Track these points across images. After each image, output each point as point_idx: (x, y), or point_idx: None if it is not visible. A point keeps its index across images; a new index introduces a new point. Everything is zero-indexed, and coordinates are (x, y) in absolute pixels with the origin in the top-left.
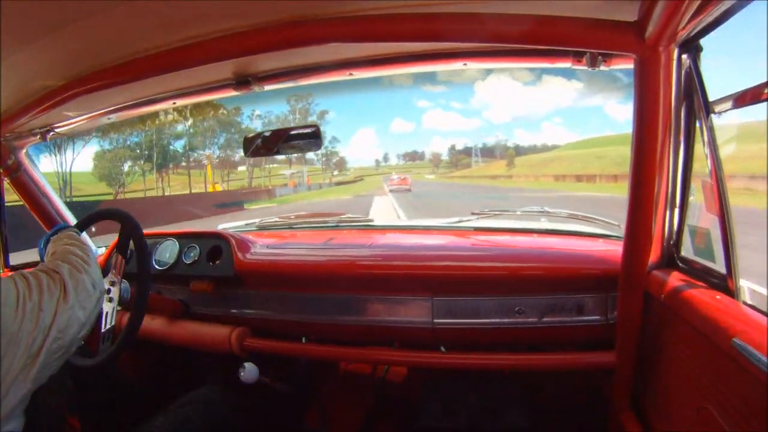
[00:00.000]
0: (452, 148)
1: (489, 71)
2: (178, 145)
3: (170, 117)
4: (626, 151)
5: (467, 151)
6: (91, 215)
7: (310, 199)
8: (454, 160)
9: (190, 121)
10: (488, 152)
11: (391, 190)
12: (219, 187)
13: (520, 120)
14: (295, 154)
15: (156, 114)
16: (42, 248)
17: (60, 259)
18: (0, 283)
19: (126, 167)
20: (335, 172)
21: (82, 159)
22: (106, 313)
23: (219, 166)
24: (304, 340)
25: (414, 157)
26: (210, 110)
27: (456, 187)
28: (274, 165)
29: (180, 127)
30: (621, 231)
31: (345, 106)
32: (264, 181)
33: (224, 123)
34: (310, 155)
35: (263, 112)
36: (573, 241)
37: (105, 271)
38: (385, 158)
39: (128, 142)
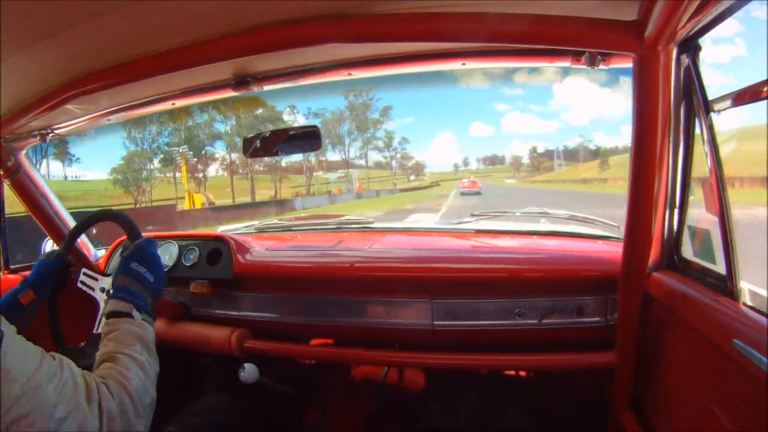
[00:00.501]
0: (533, 150)
1: (566, 72)
2: (219, 147)
3: (207, 117)
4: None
5: (549, 154)
6: (90, 217)
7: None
8: (536, 164)
9: (233, 121)
10: (571, 155)
11: (462, 193)
12: (200, 200)
13: (599, 122)
14: (361, 159)
15: (188, 111)
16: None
17: (108, 382)
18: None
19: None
20: (411, 177)
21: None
22: (101, 316)
23: (269, 171)
24: (304, 342)
25: (494, 161)
26: (255, 107)
27: (542, 195)
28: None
29: (216, 128)
30: (620, 232)
31: (416, 106)
32: (321, 188)
33: (265, 120)
34: (378, 158)
35: (318, 108)
36: (573, 242)
37: (106, 273)
38: (465, 162)
39: (155, 144)
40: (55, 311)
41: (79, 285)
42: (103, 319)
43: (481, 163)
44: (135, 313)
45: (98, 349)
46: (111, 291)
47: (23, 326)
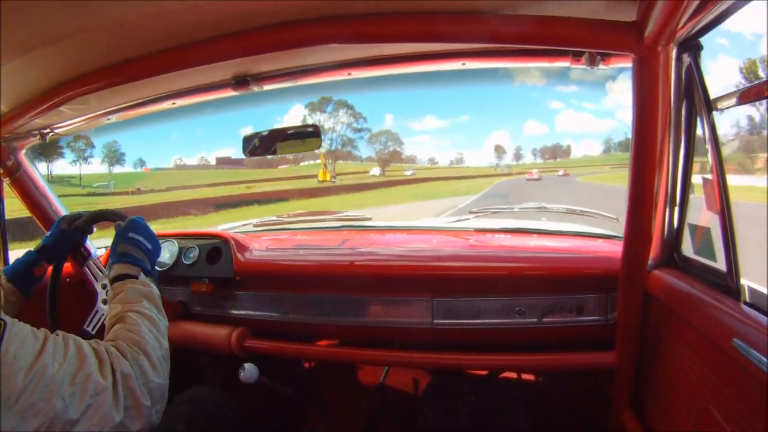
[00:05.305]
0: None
1: (620, 69)
2: None
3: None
4: None
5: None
6: (91, 216)
7: None
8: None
9: None
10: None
11: (527, 179)
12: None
13: None
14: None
15: None
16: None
17: (118, 343)
18: (20, 330)
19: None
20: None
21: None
22: (95, 312)
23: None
24: (304, 341)
25: (555, 153)
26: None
27: None
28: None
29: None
30: (620, 225)
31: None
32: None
33: None
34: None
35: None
36: (573, 241)
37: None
38: (517, 156)
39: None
40: (57, 281)
41: (85, 268)
42: (97, 318)
43: (539, 156)
44: (141, 276)
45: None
46: (111, 258)
47: (30, 295)
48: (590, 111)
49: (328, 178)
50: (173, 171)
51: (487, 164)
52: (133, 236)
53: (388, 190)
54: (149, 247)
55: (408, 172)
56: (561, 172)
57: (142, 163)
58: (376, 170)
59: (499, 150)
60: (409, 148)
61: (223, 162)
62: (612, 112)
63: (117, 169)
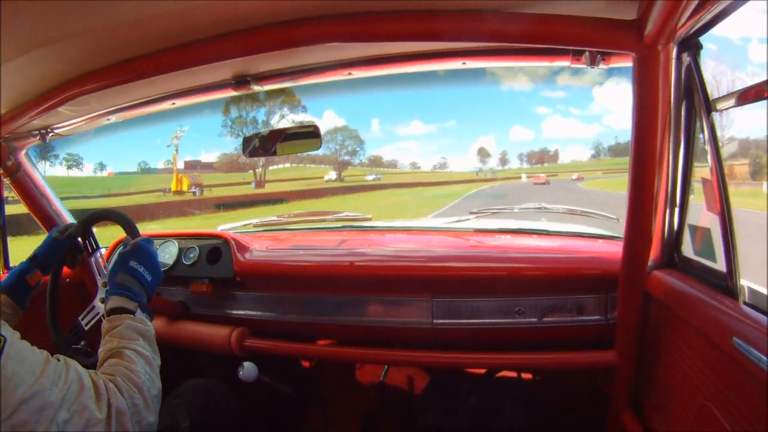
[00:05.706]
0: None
1: (609, 74)
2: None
3: None
4: None
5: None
6: (90, 216)
7: None
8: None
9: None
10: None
11: (534, 183)
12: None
13: None
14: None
15: None
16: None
17: (116, 379)
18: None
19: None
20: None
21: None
22: (92, 307)
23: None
24: (304, 341)
25: (542, 157)
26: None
27: None
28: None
29: None
30: (620, 225)
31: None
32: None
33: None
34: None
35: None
36: (573, 241)
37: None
38: (503, 161)
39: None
40: (56, 290)
41: (92, 260)
42: (102, 315)
43: (525, 161)
44: (138, 311)
45: (81, 336)
46: (109, 287)
47: (26, 305)
48: (577, 116)
49: (185, 188)
50: (139, 175)
51: (471, 169)
52: (134, 266)
53: (326, 199)
54: (148, 279)
55: (370, 177)
56: (575, 176)
57: (102, 167)
58: (331, 174)
59: (483, 153)
60: (383, 151)
61: (191, 166)
62: (599, 117)
63: (74, 173)
